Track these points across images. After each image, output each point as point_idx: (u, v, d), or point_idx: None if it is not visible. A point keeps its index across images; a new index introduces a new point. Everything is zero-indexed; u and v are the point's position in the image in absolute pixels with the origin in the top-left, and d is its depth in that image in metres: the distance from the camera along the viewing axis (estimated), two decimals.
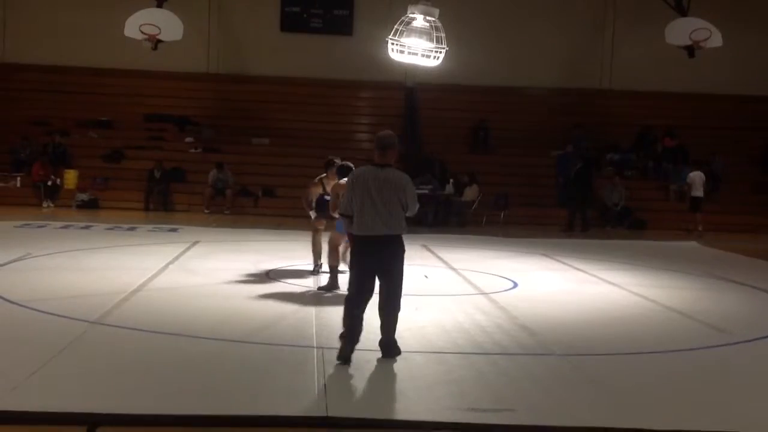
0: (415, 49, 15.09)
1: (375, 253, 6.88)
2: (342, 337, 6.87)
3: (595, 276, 12.63)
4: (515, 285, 11.52)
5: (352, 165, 10.72)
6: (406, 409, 5.71)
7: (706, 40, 21.45)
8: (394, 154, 7.06)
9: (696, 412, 5.98)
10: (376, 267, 6.94)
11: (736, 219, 22.47)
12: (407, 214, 7.02)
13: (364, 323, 8.25)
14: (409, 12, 15.29)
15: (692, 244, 18.29)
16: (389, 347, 7.01)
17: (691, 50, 21.85)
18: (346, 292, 7.20)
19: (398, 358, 7.07)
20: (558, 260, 14.41)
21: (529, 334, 8.24)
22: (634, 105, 26.53)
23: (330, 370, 6.54)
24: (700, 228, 20.76)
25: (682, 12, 22.56)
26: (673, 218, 22.41)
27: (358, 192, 6.89)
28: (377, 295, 7.07)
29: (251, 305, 9.26)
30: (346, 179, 10.52)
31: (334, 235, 10.63)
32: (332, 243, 10.66)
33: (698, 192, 21.46)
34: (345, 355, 6.74)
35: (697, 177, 21.53)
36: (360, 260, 6.99)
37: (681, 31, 21.88)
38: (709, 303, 10.75)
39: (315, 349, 7.19)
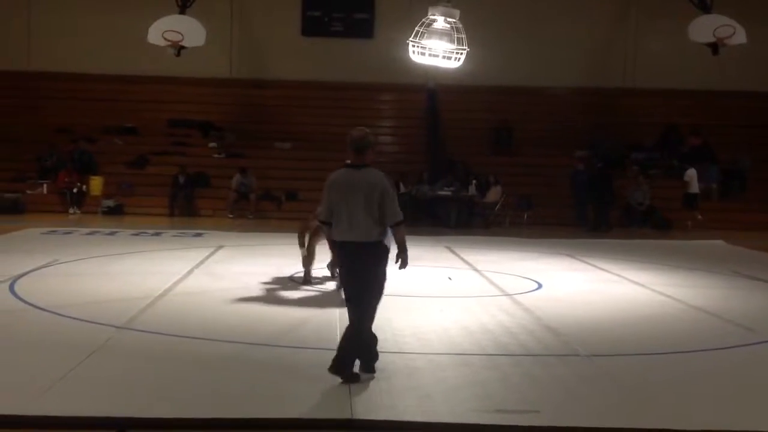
0: (436, 50, 15.10)
1: (356, 260, 6.37)
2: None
3: (619, 276, 12.56)
4: (539, 286, 11.48)
5: None
6: (431, 412, 5.70)
7: (730, 37, 21.25)
8: (371, 155, 6.49)
9: (725, 412, 5.94)
10: (359, 275, 6.39)
11: (762, 217, 22.24)
12: (387, 222, 6.38)
13: (385, 323, 8.25)
14: (429, 14, 15.29)
15: (717, 243, 18.14)
16: (342, 364, 6.32)
17: (715, 47, 21.66)
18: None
19: (422, 359, 7.07)
20: (582, 260, 14.35)
21: (553, 335, 8.21)
22: (657, 103, 26.34)
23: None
24: (689, 223, 21.00)
25: (706, 8, 22.39)
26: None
27: (335, 196, 6.40)
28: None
29: (275, 309, 9.29)
30: None
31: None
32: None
33: (695, 189, 21.69)
34: (368, 370, 6.54)
35: (693, 174, 21.76)
36: (347, 269, 6.53)
37: (705, 28, 21.69)
38: (736, 302, 10.66)
39: None
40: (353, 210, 6.31)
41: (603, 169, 21.85)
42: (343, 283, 6.64)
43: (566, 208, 22.23)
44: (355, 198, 6.32)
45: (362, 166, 6.43)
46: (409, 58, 15.82)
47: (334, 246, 6.67)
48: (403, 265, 6.53)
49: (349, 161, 6.53)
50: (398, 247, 6.52)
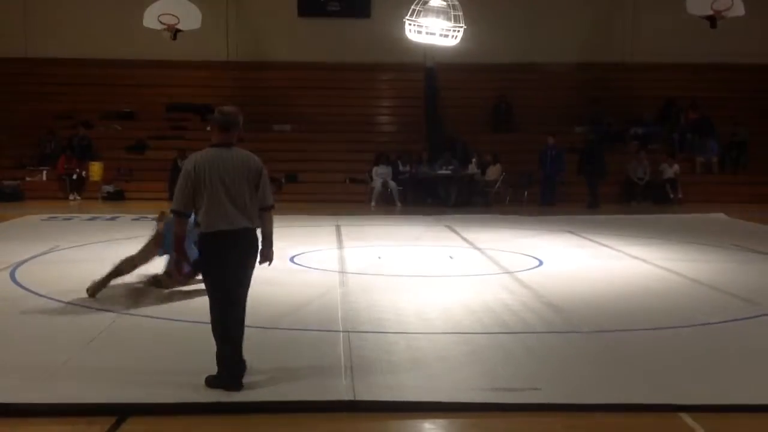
0: (433, 29, 15.03)
1: (240, 251, 5.75)
2: (218, 375, 5.78)
3: (621, 251, 12.55)
4: (540, 263, 11.47)
5: None
6: (433, 391, 5.69)
7: (727, 9, 21.11)
8: (238, 134, 5.94)
9: (727, 386, 5.92)
10: (242, 268, 5.82)
11: (762, 190, 22.20)
12: (262, 205, 5.83)
13: (387, 303, 8.23)
14: None
15: (718, 216, 18.12)
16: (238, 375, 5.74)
17: (713, 20, 21.52)
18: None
19: (425, 338, 7.07)
20: (583, 237, 14.33)
21: (555, 312, 8.21)
22: (657, 78, 26.19)
23: (356, 353, 6.54)
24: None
25: None
26: (699, 191, 22.21)
27: (207, 180, 5.66)
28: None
29: (276, 291, 9.25)
30: None
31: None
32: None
33: None
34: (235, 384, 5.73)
35: None
36: (222, 260, 5.73)
37: (702, 0, 21.56)
38: (737, 275, 10.66)
39: (341, 333, 7.21)
40: (236, 194, 5.67)
41: (594, 143, 21.78)
42: (223, 282, 5.78)
43: (567, 184, 22.16)
44: (236, 180, 5.69)
45: (232, 146, 5.86)
46: (407, 37, 15.75)
47: (182, 241, 5.87)
48: (269, 260, 5.99)
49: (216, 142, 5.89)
50: (265, 240, 5.89)
